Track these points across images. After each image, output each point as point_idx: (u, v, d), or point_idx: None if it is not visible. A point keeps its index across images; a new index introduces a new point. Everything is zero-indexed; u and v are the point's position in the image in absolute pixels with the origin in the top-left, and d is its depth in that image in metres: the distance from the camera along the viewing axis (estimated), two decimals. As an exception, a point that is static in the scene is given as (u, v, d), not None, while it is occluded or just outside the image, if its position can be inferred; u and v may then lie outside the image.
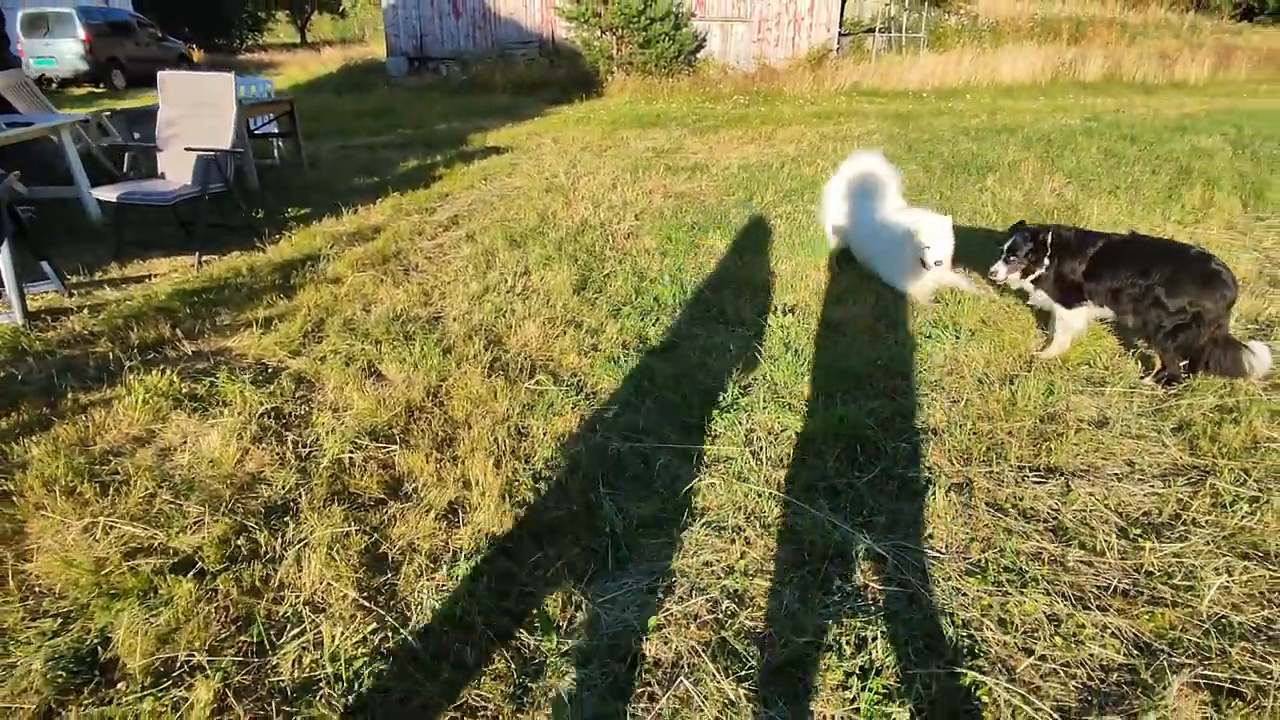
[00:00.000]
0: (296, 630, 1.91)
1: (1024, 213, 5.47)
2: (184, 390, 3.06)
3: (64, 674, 1.76)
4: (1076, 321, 3.37)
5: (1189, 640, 1.89)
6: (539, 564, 2.18)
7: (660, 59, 16.13)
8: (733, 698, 1.74)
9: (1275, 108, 11.71)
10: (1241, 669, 1.79)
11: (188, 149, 4.90)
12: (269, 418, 2.91)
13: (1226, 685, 1.74)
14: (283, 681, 1.79)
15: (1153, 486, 2.49)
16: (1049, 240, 3.30)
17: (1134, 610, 1.98)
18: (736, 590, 2.08)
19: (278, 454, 2.69)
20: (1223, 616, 1.96)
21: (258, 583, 2.07)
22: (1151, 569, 2.13)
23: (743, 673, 1.81)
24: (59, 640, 1.86)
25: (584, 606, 2.04)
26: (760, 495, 2.46)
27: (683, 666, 1.83)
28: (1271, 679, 1.76)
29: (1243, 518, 2.30)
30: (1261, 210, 5.64)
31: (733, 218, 5.67)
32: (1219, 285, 2.94)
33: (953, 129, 9.63)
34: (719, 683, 1.77)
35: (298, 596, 2.02)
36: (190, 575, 2.06)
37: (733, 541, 2.26)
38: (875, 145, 8.55)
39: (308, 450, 2.74)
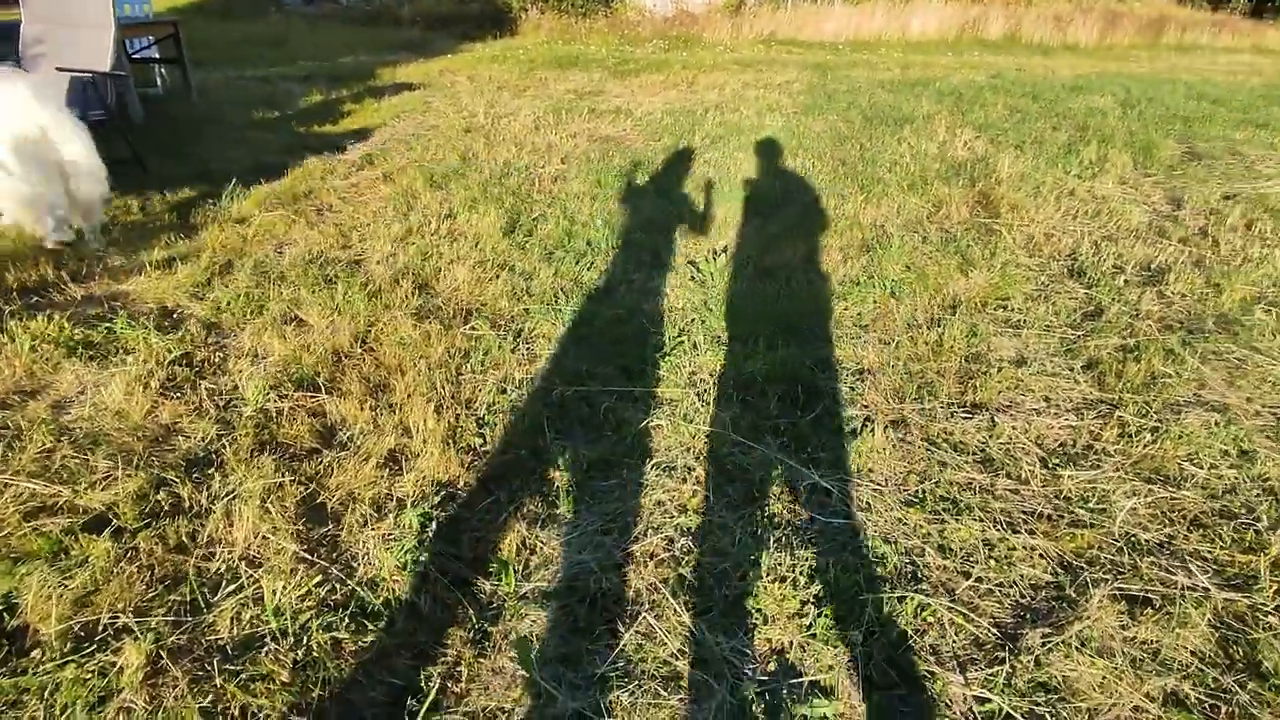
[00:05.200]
0: (233, 587, 1.80)
1: (940, 165, 5.65)
2: (77, 337, 2.78)
3: (-35, 645, 1.60)
4: None
5: (1105, 558, 2.04)
6: (489, 509, 2.13)
7: (576, -2, 15.57)
8: (694, 630, 1.76)
9: (1155, 72, 12.46)
10: (1150, 581, 1.96)
11: (60, 69, 4.37)
12: (179, 365, 2.69)
13: (1140, 596, 1.90)
14: (221, 640, 1.68)
15: (1067, 420, 2.66)
16: None
17: (1056, 533, 2.13)
18: (691, 528, 2.09)
19: (193, 404, 2.50)
20: (1132, 535, 2.13)
21: (184, 539, 1.92)
22: (1070, 495, 2.28)
23: (703, 606, 1.84)
24: (-46, 609, 1.68)
25: (538, 550, 2.01)
26: (708, 436, 2.47)
27: (643, 603, 1.84)
28: (1175, 588, 1.93)
29: (1146, 446, 2.49)
30: (1149, 167, 6.02)
31: (660, 162, 5.59)
32: None
33: (869, 81, 9.77)
34: (681, 616, 1.79)
35: (231, 551, 1.89)
36: (106, 534, 1.89)
37: (684, 481, 2.27)
38: (797, 95, 8.60)
39: (226, 399, 2.55)
